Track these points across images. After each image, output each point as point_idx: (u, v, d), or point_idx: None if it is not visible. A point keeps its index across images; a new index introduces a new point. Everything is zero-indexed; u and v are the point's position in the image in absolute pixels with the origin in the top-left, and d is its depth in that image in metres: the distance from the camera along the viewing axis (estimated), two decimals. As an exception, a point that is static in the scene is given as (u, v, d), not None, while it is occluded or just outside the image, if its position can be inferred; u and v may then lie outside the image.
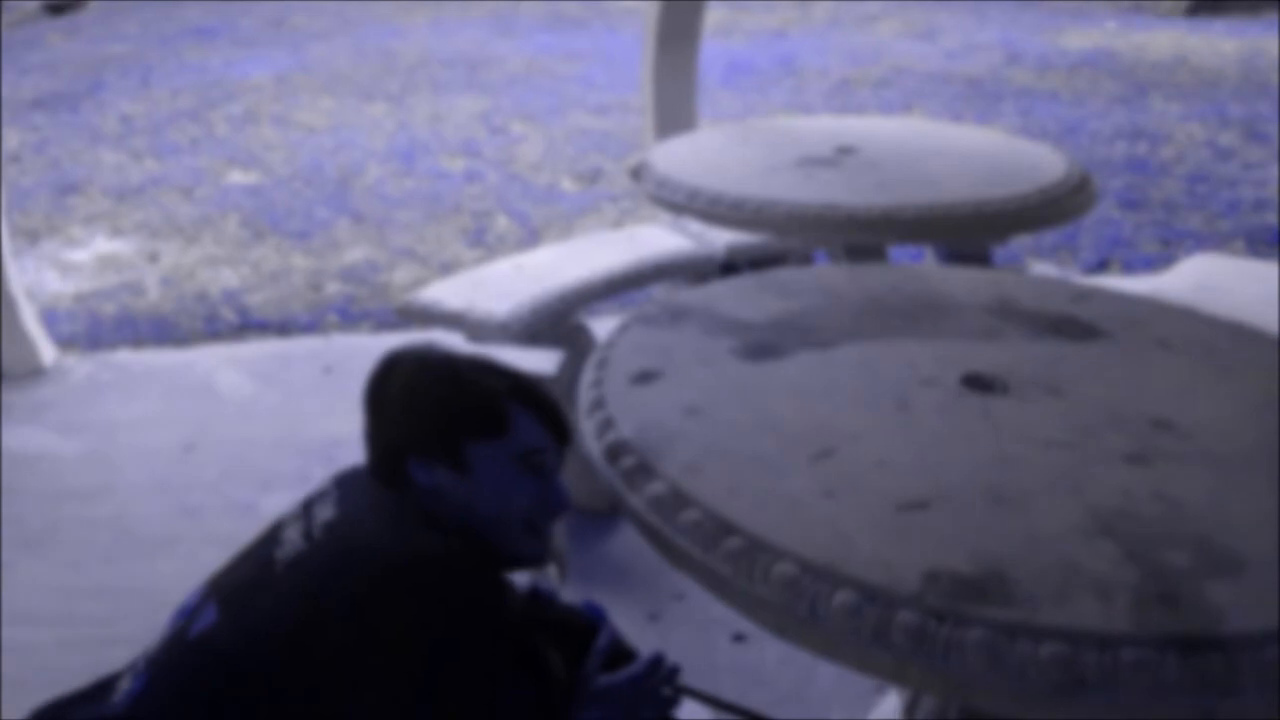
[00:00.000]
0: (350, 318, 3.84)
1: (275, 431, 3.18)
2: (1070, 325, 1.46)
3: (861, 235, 2.09)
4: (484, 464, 1.02)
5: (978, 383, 1.28)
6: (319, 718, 0.90)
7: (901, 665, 0.90)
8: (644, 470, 1.11)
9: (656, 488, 1.08)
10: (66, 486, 2.76)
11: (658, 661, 1.07)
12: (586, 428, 1.25)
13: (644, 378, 1.31)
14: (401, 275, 4.19)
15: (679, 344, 1.40)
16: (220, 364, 3.40)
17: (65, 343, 3.61)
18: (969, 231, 2.15)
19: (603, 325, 2.99)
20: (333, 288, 4.11)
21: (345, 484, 1.07)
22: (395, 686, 0.89)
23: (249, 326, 3.77)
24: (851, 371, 1.31)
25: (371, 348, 4.10)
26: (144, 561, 2.31)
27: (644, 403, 1.25)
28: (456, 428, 1.03)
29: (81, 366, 3.44)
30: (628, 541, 2.42)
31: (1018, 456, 1.13)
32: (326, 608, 0.91)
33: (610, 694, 1.04)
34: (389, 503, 1.02)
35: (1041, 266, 3.62)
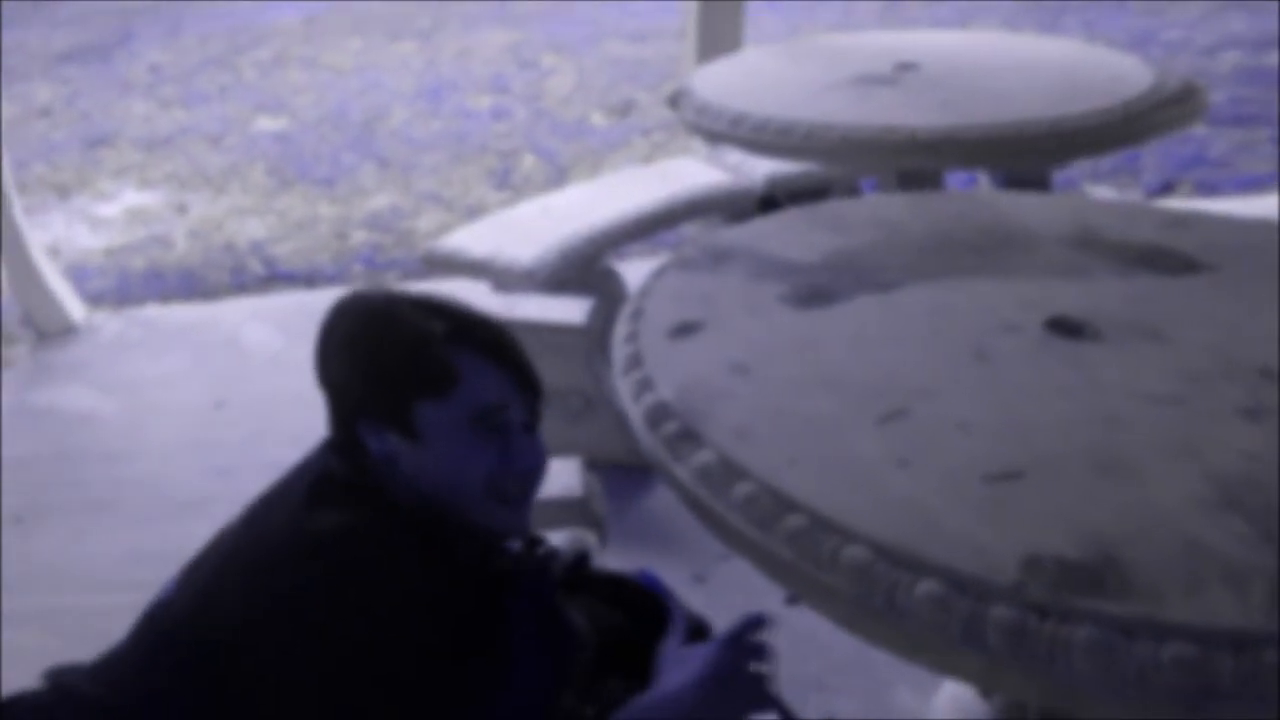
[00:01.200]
0: (376, 267, 3.72)
1: (303, 387, 3.09)
2: (1164, 257, 1.28)
3: (923, 159, 1.89)
4: (433, 427, 0.88)
5: (1064, 327, 1.11)
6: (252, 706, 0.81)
7: (995, 668, 0.76)
8: (688, 437, 0.97)
9: (703, 457, 0.94)
10: (103, 447, 2.71)
11: (756, 622, 0.92)
12: (622, 388, 1.11)
13: (684, 330, 1.16)
14: (426, 221, 4.05)
15: (721, 290, 1.25)
16: (247, 318, 3.32)
17: (95, 299, 3.55)
18: (1044, 152, 1.93)
19: (634, 269, 2.84)
20: (358, 236, 3.99)
21: (311, 453, 0.95)
22: (295, 676, 0.79)
23: (276, 278, 3.68)
24: (919, 317, 1.15)
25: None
26: (177, 524, 2.25)
27: (685, 359, 1.11)
28: (397, 384, 0.89)
29: (111, 323, 3.38)
30: (669, 497, 2.30)
31: (1119, 413, 0.97)
32: (223, 587, 0.85)
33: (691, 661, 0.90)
34: (318, 471, 0.90)
35: (1102, 190, 3.36)
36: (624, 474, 2.32)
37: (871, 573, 0.79)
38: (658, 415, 1.01)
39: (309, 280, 3.63)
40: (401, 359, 0.89)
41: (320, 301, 3.93)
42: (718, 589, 2.02)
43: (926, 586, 0.78)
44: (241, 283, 3.65)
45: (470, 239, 2.49)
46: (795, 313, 1.17)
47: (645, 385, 1.07)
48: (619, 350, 1.16)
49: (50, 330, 3.28)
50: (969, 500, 0.85)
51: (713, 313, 1.19)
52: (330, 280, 3.61)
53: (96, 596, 2.09)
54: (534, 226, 2.48)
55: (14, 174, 3.23)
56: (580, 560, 1.07)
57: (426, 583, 0.84)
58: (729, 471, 0.91)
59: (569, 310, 2.18)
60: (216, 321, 3.33)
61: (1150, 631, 0.73)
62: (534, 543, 1.07)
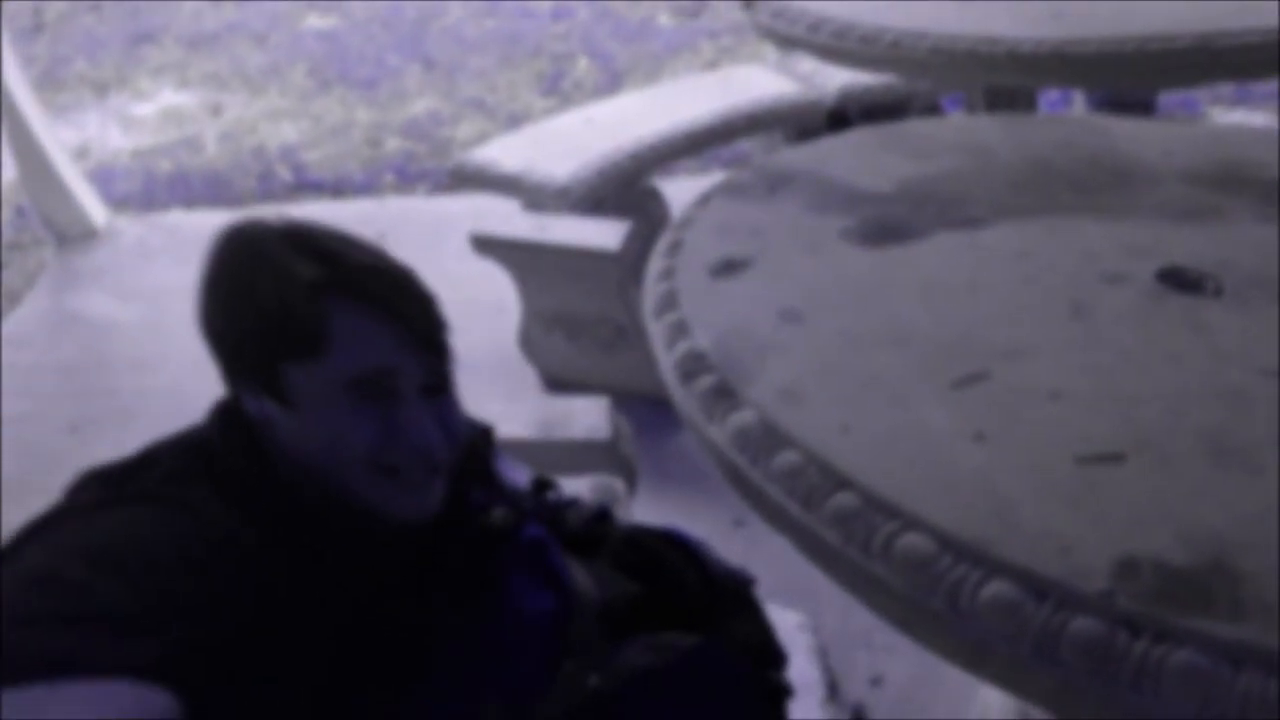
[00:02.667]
0: (407, 178, 3.64)
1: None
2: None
3: (1025, 77, 1.69)
4: (303, 392, 0.75)
5: (1181, 280, 0.99)
6: None
7: (1067, 690, 0.67)
8: (726, 394, 0.88)
9: (742, 418, 0.85)
10: (126, 355, 2.74)
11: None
12: (655, 331, 1.01)
13: (728, 268, 1.06)
14: (466, 129, 3.95)
15: (775, 222, 1.13)
16: (273, 228, 3.28)
17: (119, 203, 3.54)
18: (1184, 74, 1.67)
19: (679, 189, 2.72)
20: (392, 144, 3.91)
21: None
22: None
23: (303, 186, 3.63)
24: (1008, 262, 1.03)
25: (426, 213, 3.93)
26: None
27: (728, 302, 1.01)
28: (260, 342, 0.75)
29: (133, 229, 3.38)
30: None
31: (1242, 388, 0.85)
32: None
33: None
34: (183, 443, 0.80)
35: (1234, 116, 3.08)
36: (657, 410, 2.24)
37: (932, 567, 0.71)
38: (692, 366, 0.92)
39: (337, 189, 3.58)
40: (262, 312, 0.75)
41: (347, 213, 3.88)
42: (758, 534, 1.93)
43: (997, 588, 0.69)
44: (268, 190, 3.60)
45: (503, 151, 2.38)
46: (861, 251, 1.06)
47: (680, 330, 0.98)
48: (652, 288, 1.07)
49: (71, 235, 3.29)
50: (1056, 486, 0.75)
51: (763, 248, 1.09)
52: (359, 190, 3.55)
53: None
54: (574, 139, 2.36)
55: (53, 71, 3.20)
56: (600, 515, 0.99)
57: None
58: (771, 437, 0.82)
59: (603, 234, 2.07)
60: (242, 230, 3.31)
61: (1261, 661, 0.63)
62: (543, 486, 1.00)
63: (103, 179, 3.66)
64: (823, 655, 1.35)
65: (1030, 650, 0.67)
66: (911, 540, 0.72)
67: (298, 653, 0.73)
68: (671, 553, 0.92)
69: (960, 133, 1.33)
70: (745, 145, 3.06)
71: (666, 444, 2.19)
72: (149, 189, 3.68)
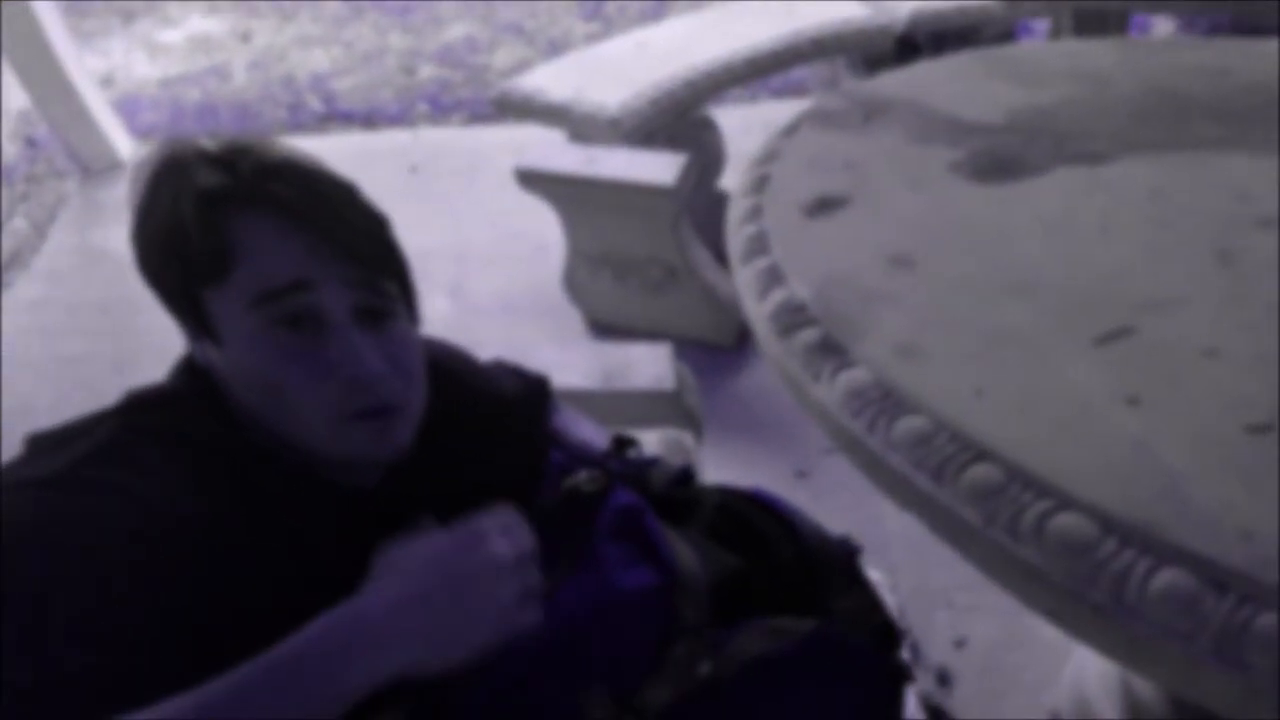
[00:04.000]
0: (441, 108, 3.52)
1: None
2: None
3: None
4: (225, 324, 0.66)
5: (1342, 222, 0.88)
6: None
7: (1252, 695, 0.59)
8: (833, 350, 0.79)
9: (855, 378, 0.76)
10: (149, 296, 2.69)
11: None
12: (743, 279, 0.92)
13: (824, 206, 0.96)
14: (503, 56, 3.80)
15: (873, 155, 1.03)
16: (304, 161, 3.19)
17: (145, 133, 3.46)
18: None
19: (728, 119, 2.59)
20: (426, 71, 3.77)
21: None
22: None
23: (334, 117, 3.52)
24: (1139, 202, 0.92)
25: (460, 144, 3.81)
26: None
27: (827, 245, 0.91)
28: (166, 260, 0.66)
29: (161, 161, 3.30)
30: (763, 380, 2.15)
31: None
32: None
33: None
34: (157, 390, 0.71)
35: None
36: (707, 355, 2.16)
37: (1093, 553, 0.62)
38: (791, 319, 0.83)
39: (368, 120, 3.46)
40: (164, 231, 0.66)
41: (379, 145, 3.77)
42: (822, 486, 1.87)
43: (1170, 578, 0.60)
44: (298, 121, 3.50)
45: (549, 79, 2.26)
46: (972, 188, 0.95)
47: (774, 277, 0.88)
48: (737, 230, 0.97)
49: (96, 166, 3.22)
50: (1228, 459, 0.66)
51: (862, 184, 0.98)
52: (391, 121, 3.44)
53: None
54: (625, 65, 2.23)
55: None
56: (684, 476, 0.91)
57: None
58: (891, 399, 0.73)
59: (658, 167, 1.96)
60: (272, 164, 3.22)
61: None
62: (623, 444, 0.92)
63: (128, 109, 3.57)
64: (902, 616, 1.28)
65: (1209, 650, 0.59)
66: (1067, 521, 0.63)
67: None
68: (768, 521, 0.84)
69: (1071, 58, 1.20)
70: (799, 73, 2.91)
71: (719, 393, 2.10)
72: (176, 119, 3.59)
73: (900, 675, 0.78)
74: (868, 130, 1.07)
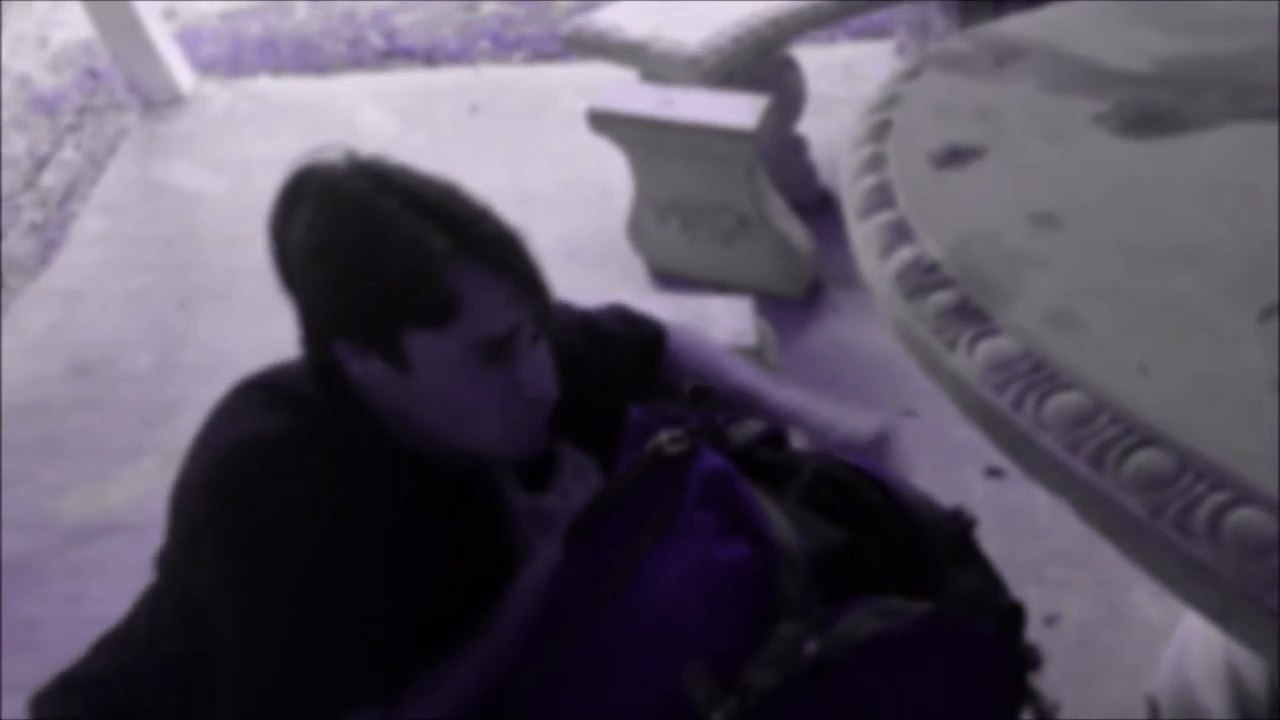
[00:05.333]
0: (503, 45, 3.43)
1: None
2: None
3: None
4: (427, 359, 0.75)
5: None
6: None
7: None
8: (973, 315, 0.73)
9: (999, 347, 0.70)
10: (217, 229, 2.69)
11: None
12: (861, 234, 0.86)
13: (955, 157, 0.89)
14: (569, -9, 3.70)
15: (1008, 103, 0.95)
16: (362, 98, 3.14)
17: (206, 67, 3.43)
18: None
19: (809, 60, 2.49)
20: (488, 7, 3.69)
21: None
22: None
23: (394, 54, 3.46)
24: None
25: (521, 83, 3.72)
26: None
27: (960, 199, 0.84)
28: (384, 309, 0.74)
29: (220, 95, 3.28)
30: (836, 335, 2.08)
31: None
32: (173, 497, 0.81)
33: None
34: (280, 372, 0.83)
35: None
36: (776, 308, 2.09)
37: (1274, 555, 0.56)
38: (921, 280, 0.77)
39: (429, 57, 3.40)
40: (391, 283, 0.73)
41: (440, 83, 3.69)
42: (902, 450, 1.81)
43: (1372, 589, 0.54)
44: (358, 57, 3.44)
45: (624, 15, 2.17)
46: (1122, 143, 0.87)
47: (900, 233, 0.82)
48: (856, 180, 0.91)
49: (157, 100, 3.20)
50: None
51: (997, 134, 0.91)
52: (452, 58, 3.37)
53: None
54: (704, 2, 2.14)
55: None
56: (774, 436, 0.86)
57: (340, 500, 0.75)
58: (1042, 373, 0.67)
59: (738, 110, 1.88)
60: (329, 99, 3.18)
61: None
62: (700, 396, 0.87)
63: (189, 42, 3.55)
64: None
65: None
66: (1247, 517, 0.57)
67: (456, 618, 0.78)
68: (870, 491, 0.79)
69: (1228, 2, 1.10)
70: (882, 15, 2.78)
71: (790, 347, 2.04)
72: (236, 53, 3.56)
73: (1027, 662, 0.73)
74: (999, 76, 0.98)
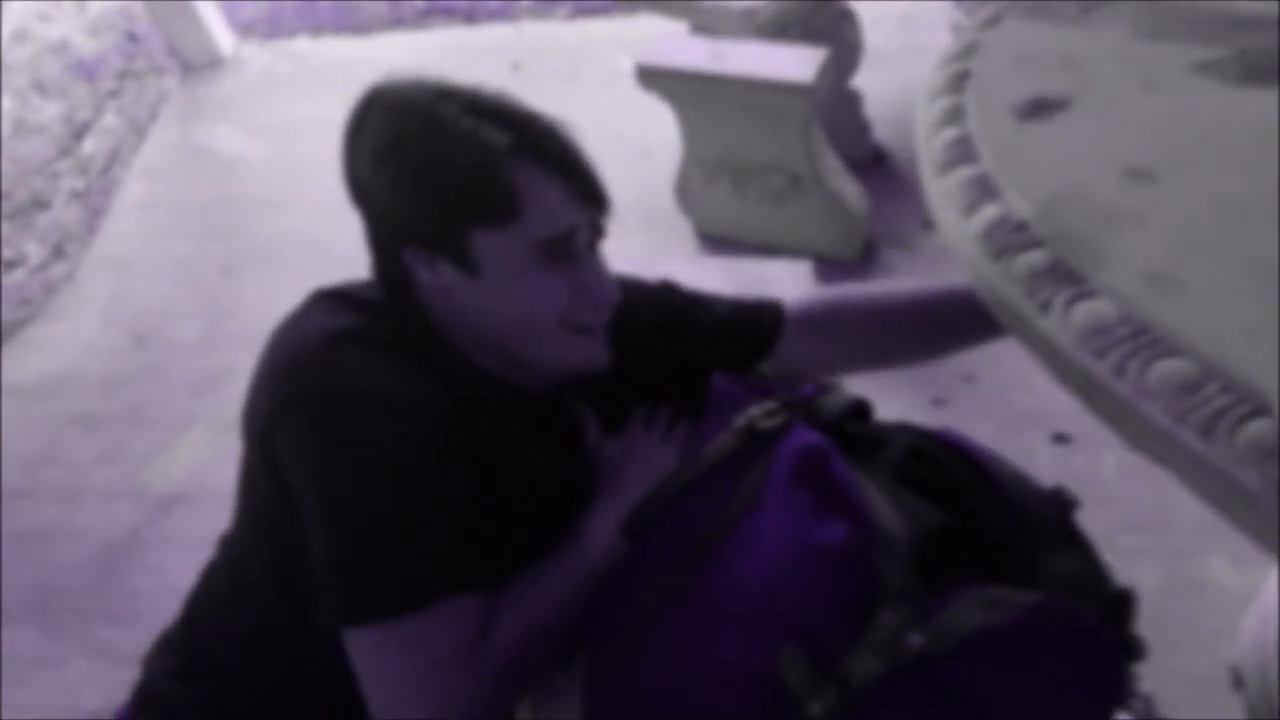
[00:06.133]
0: (545, 0, 3.39)
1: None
2: None
3: None
4: (492, 259, 0.78)
5: None
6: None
7: None
8: (1067, 276, 0.69)
9: (1096, 310, 0.67)
10: (258, 195, 2.70)
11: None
12: (940, 190, 0.82)
13: (1040, 108, 0.85)
14: (608, -55, 3.62)
15: (1096, 51, 0.90)
16: (402, 58, 3.12)
17: (245, 30, 3.43)
18: None
19: (870, 11, 2.41)
20: (529, -39, 3.63)
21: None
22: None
23: (434, 12, 3.42)
24: None
25: (565, 39, 3.69)
26: (341, 281, 2.21)
27: (1047, 153, 0.80)
28: (450, 211, 0.77)
29: (260, 57, 3.27)
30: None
31: None
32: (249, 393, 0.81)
33: None
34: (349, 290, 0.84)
35: None
36: (829, 270, 2.05)
37: None
38: (1009, 239, 0.74)
39: (469, 16, 3.36)
40: (455, 182, 0.76)
41: (481, 41, 3.65)
42: (960, 415, 1.78)
43: None
44: (398, 16, 3.41)
45: (673, -34, 2.12)
46: (1224, 91, 0.83)
47: (984, 190, 0.78)
48: (934, 134, 0.87)
49: (197, 63, 3.21)
50: None
51: (1085, 84, 0.86)
52: (492, 16, 3.33)
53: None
54: (756, -49, 2.07)
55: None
56: (859, 408, 0.84)
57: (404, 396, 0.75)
58: (1145, 338, 0.64)
59: (795, 63, 1.83)
60: (369, 59, 3.16)
61: None
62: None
63: (228, 4, 3.54)
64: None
65: None
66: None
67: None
68: (963, 468, 0.77)
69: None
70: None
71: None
72: (275, 15, 3.54)
73: (1133, 652, 0.70)
74: (1087, 23, 0.94)
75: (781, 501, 0.68)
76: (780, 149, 1.94)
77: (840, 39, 2.05)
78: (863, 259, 2.12)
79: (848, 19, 2.14)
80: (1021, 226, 0.74)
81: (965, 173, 0.81)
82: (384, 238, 0.81)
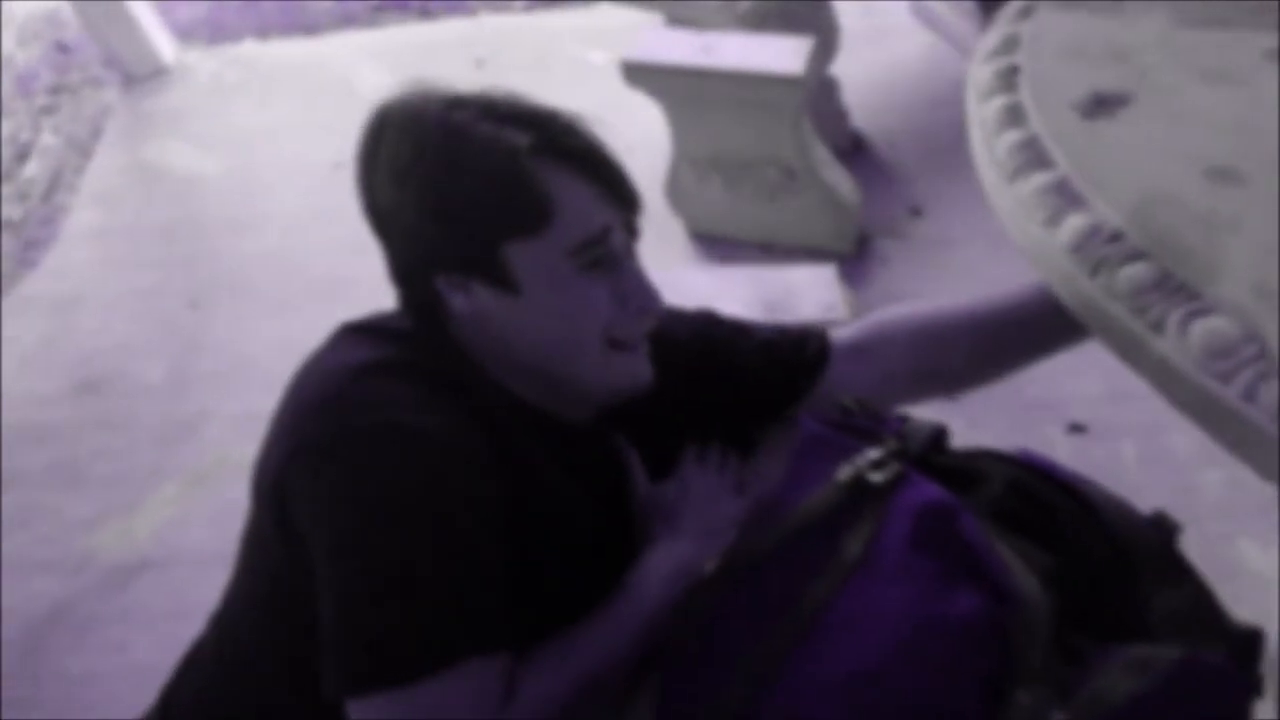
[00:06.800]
0: (506, -7, 3.29)
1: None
2: None
3: None
4: (530, 273, 0.73)
5: None
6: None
7: None
8: (1177, 292, 0.65)
9: (1215, 329, 0.63)
10: (222, 215, 2.56)
11: None
12: (1015, 198, 0.78)
13: (1102, 105, 0.81)
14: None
15: (1144, 41, 0.87)
16: (358, 57, 3.01)
17: (186, 33, 3.28)
18: None
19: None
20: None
21: None
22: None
23: (385, 8, 3.30)
24: None
25: (526, 33, 3.55)
26: (324, 308, 2.09)
27: (1122, 155, 0.76)
28: (478, 221, 0.73)
29: (205, 63, 3.13)
30: (890, 291, 2.01)
31: None
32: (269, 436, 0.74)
33: None
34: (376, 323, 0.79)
35: None
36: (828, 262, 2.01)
37: None
38: (1105, 251, 0.69)
39: (423, 11, 3.25)
40: (482, 192, 0.72)
41: (439, 36, 3.49)
42: (971, 409, 1.72)
43: None
44: (347, 12, 3.29)
45: (647, -44, 2.05)
46: (1299, 79, 0.80)
47: (1067, 197, 0.74)
48: (995, 136, 0.83)
49: (138, 73, 3.06)
50: None
51: (1143, 76, 0.83)
52: (448, 10, 3.22)
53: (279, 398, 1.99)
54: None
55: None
56: (940, 435, 0.79)
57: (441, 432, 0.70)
58: (1272, 359, 0.60)
59: (783, 54, 1.78)
60: (322, 62, 3.04)
61: None
62: (856, 408, 0.80)
63: (162, 7, 3.38)
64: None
65: None
66: None
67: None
68: (1059, 497, 0.72)
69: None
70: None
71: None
72: (215, 17, 3.39)
73: (1256, 691, 0.67)
74: (1125, 10, 0.90)
75: (900, 567, 0.63)
76: (773, 143, 1.90)
77: (819, 26, 2.00)
78: (857, 251, 2.08)
79: (823, 10, 2.10)
80: (1117, 236, 0.70)
81: (1041, 179, 0.77)
82: (412, 266, 0.76)
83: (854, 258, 2.07)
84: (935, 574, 0.62)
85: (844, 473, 0.67)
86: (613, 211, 0.76)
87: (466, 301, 0.74)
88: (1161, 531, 0.71)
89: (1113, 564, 0.69)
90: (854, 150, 2.33)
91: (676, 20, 2.05)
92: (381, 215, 0.76)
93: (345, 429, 0.67)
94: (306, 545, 0.68)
